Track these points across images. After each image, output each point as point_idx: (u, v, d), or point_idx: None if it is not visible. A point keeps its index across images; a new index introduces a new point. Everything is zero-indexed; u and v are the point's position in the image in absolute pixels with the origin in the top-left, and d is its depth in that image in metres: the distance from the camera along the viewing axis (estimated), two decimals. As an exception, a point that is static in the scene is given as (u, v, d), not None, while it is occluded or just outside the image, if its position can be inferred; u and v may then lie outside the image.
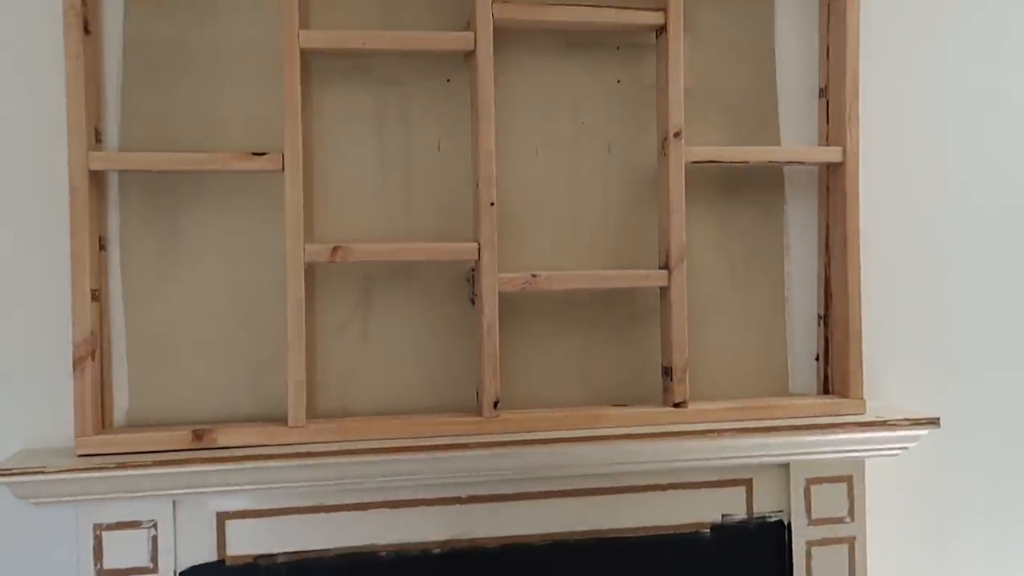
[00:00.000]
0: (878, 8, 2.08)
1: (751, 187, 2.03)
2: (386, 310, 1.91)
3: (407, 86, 1.90)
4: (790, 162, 1.96)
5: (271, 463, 1.72)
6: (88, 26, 1.73)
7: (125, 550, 1.73)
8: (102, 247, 1.80)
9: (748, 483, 1.96)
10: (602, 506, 1.90)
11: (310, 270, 1.87)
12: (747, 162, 1.94)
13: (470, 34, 1.82)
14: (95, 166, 1.70)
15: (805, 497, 1.95)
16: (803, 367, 2.07)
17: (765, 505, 1.96)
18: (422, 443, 1.77)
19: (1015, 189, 2.17)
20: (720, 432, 1.86)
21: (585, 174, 1.97)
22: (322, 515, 1.81)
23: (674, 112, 1.89)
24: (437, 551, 1.85)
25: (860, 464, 1.97)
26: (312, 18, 1.87)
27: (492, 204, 1.83)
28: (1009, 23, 2.16)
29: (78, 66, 1.69)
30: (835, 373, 2.02)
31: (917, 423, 1.93)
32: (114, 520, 1.72)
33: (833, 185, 2.00)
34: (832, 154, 1.97)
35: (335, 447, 1.75)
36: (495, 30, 1.87)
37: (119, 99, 1.81)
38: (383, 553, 1.83)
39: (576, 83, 1.96)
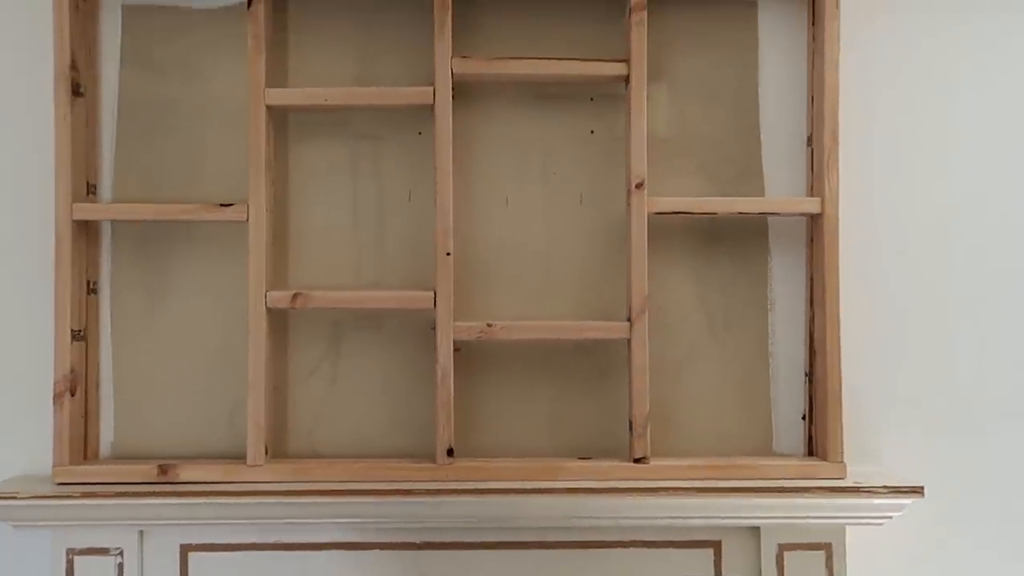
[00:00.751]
0: (868, 54, 1.99)
1: (733, 238, 1.98)
2: (354, 356, 1.97)
3: (381, 140, 1.96)
4: (762, 213, 1.90)
5: (224, 499, 1.80)
6: (80, 88, 1.89)
7: (94, 575, 1.84)
8: (93, 291, 1.94)
9: (716, 546, 1.88)
10: (562, 561, 1.88)
11: (282, 316, 1.95)
12: (715, 213, 1.89)
13: (429, 89, 1.86)
14: (78, 216, 1.85)
15: (777, 564, 1.86)
16: (789, 426, 1.97)
17: (736, 570, 1.87)
18: (370, 487, 1.81)
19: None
20: (676, 490, 1.80)
21: (556, 224, 1.97)
22: (280, 552, 1.87)
23: (636, 163, 1.86)
24: (390, 595, 1.88)
25: (840, 532, 1.86)
26: (291, 74, 1.97)
27: (448, 254, 1.86)
28: (996, 72, 2.02)
29: (65, 125, 1.85)
30: (817, 434, 1.92)
31: (898, 491, 1.81)
32: (85, 546, 1.84)
33: (815, 237, 1.91)
34: (809, 205, 1.89)
35: (286, 487, 1.81)
36: (465, 83, 1.92)
37: (113, 154, 1.96)
38: (337, 594, 1.88)
39: (548, 134, 1.97)
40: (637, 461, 1.86)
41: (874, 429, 1.99)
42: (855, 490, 1.81)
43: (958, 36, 2.01)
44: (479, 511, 1.82)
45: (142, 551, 1.86)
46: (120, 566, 1.85)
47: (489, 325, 1.87)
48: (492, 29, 1.97)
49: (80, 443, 1.91)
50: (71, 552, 1.85)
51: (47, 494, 1.79)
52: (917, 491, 1.81)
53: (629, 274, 1.87)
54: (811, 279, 1.94)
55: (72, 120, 1.86)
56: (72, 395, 1.86)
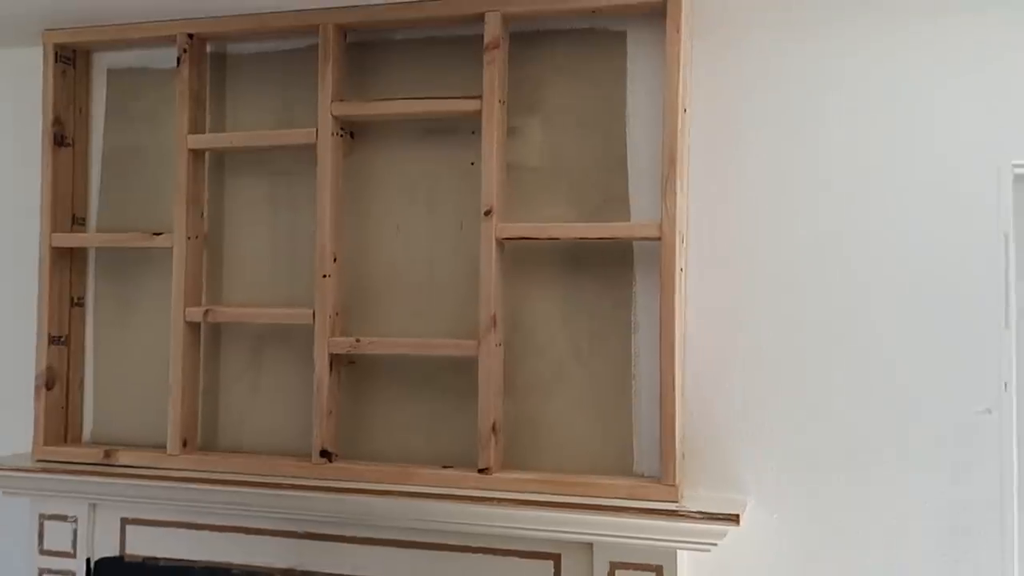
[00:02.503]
0: (727, 79, 1.99)
1: (599, 263, 2.04)
2: (272, 366, 2.24)
3: (294, 175, 2.23)
4: (601, 238, 1.95)
5: (142, 482, 2.14)
6: (66, 140, 2.33)
7: (56, 537, 2.26)
8: (79, 304, 2.37)
9: (556, 558, 1.95)
10: (416, 560, 2.04)
11: (216, 330, 2.27)
12: (557, 239, 1.97)
13: (312, 130, 2.11)
14: (56, 244, 2.29)
15: (610, 580, 1.90)
16: (652, 448, 1.99)
17: (575, 583, 1.94)
18: (255, 479, 2.08)
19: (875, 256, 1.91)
20: (509, 502, 1.90)
21: (439, 249, 2.13)
22: (192, 531, 2.19)
23: (486, 192, 1.99)
24: (277, 576, 2.13)
25: (671, 556, 1.87)
26: (228, 120, 2.29)
27: (325, 276, 2.09)
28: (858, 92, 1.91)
29: (48, 172, 2.29)
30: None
31: (713, 518, 1.79)
32: (51, 512, 2.26)
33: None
34: (647, 230, 1.92)
35: (195, 475, 2.12)
36: (364, 123, 2.15)
37: (99, 191, 2.38)
38: (235, 571, 2.16)
39: (433, 166, 2.14)
40: (481, 472, 1.98)
41: (744, 460, 1.97)
42: (671, 513, 1.82)
43: (821, 55, 1.97)
44: (338, 507, 2.02)
45: (93, 520, 2.25)
46: (75, 531, 2.25)
47: (358, 340, 2.08)
48: (394, 73, 2.17)
49: (61, 429, 2.34)
50: (42, 517, 2.27)
51: (14, 466, 2.22)
52: (732, 519, 1.78)
53: (479, 296, 2.00)
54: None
55: (55, 166, 2.30)
56: (49, 389, 2.29)
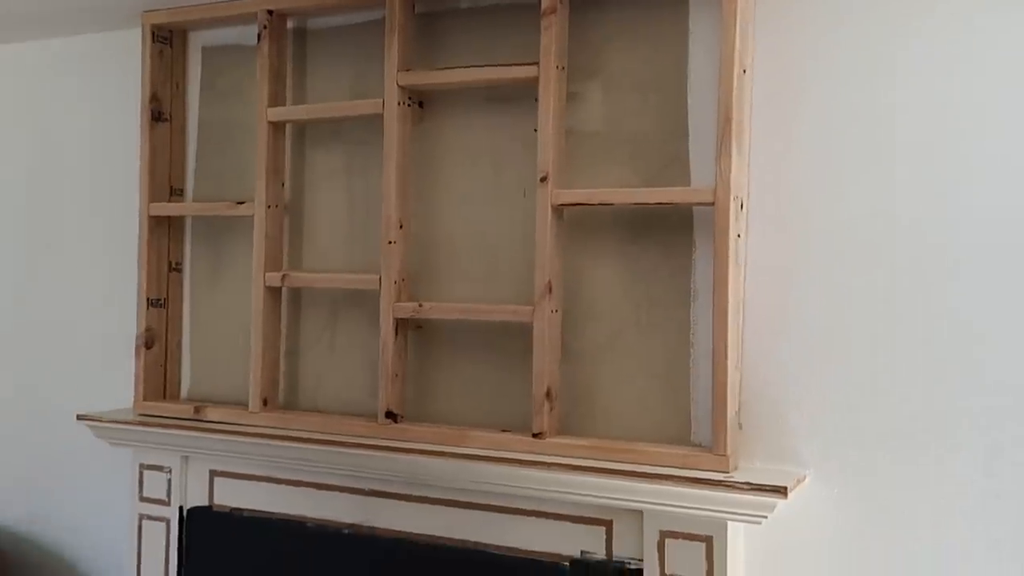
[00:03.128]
0: (791, 39, 1.91)
1: (659, 229, 2.00)
2: (347, 329, 2.32)
3: (368, 145, 2.29)
4: (657, 203, 1.92)
5: (224, 436, 2.27)
6: (163, 115, 2.47)
7: (154, 486, 2.42)
8: (177, 269, 2.52)
9: (608, 524, 1.95)
10: (472, 520, 2.08)
11: (297, 294, 2.37)
12: (610, 204, 1.95)
13: (379, 100, 2.16)
14: (153, 213, 2.43)
15: (659, 550, 1.88)
16: (709, 419, 1.95)
17: (626, 550, 1.93)
18: (325, 437, 2.16)
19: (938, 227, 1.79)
20: (551, 465, 1.92)
21: (503, 216, 2.15)
22: (271, 485, 2.30)
23: (542, 159, 1.99)
24: (346, 531, 2.22)
25: (721, 527, 1.83)
26: (308, 92, 2.37)
27: (391, 242, 2.14)
28: (926, 58, 1.78)
29: (146, 146, 2.44)
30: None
31: (760, 489, 1.75)
32: (149, 463, 2.43)
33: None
34: (701, 195, 1.87)
35: (272, 431, 2.23)
36: (426, 92, 2.19)
37: (194, 164, 2.52)
38: (309, 524, 2.26)
39: (497, 134, 2.16)
40: (535, 436, 2.00)
41: (801, 431, 1.90)
42: (716, 483, 1.79)
43: (886, 17, 1.85)
44: (396, 467, 2.09)
45: (185, 472, 2.40)
46: (169, 481, 2.40)
47: (420, 305, 2.12)
48: (461, 42, 2.20)
49: (160, 386, 2.50)
50: (142, 466, 2.44)
51: (115, 419, 2.39)
52: (780, 491, 1.73)
53: (536, 261, 2.01)
54: (722, 270, 1.91)
55: (152, 140, 2.45)
56: (148, 348, 2.45)
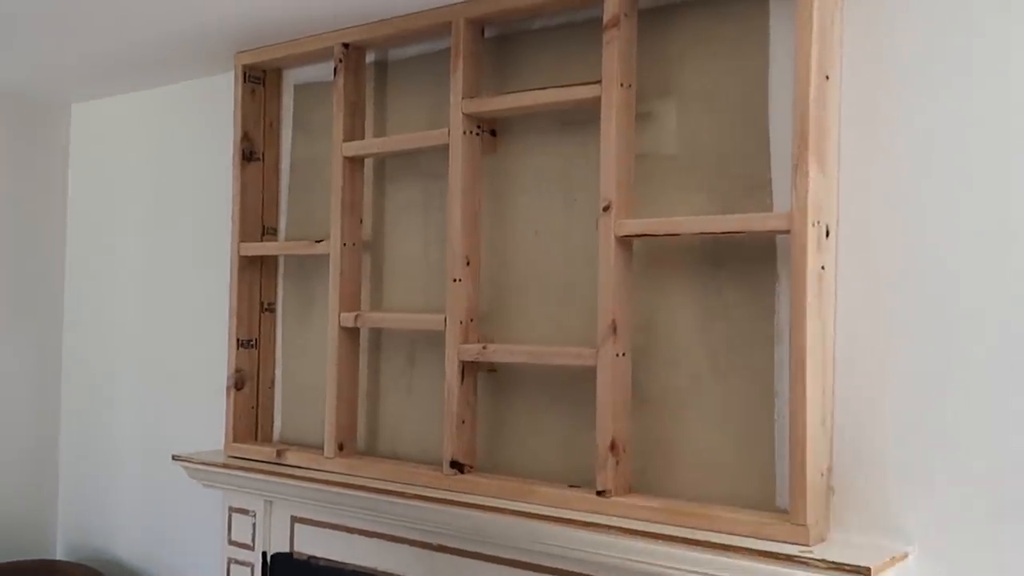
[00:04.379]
0: (880, 57, 1.63)
1: (739, 262, 1.77)
2: (424, 372, 2.21)
3: (443, 178, 2.17)
4: (727, 232, 1.68)
5: (298, 482, 2.20)
6: (255, 154, 2.46)
7: (241, 529, 2.39)
8: (269, 309, 2.50)
9: (677, 598, 1.72)
10: (535, 584, 1.90)
11: (376, 335, 2.29)
12: (679, 234, 1.73)
13: (445, 130, 2.04)
14: (242, 252, 2.42)
15: (731, 632, 1.63)
16: (796, 479, 1.69)
17: (696, 630, 1.69)
18: (385, 487, 2.05)
19: None
20: (609, 528, 1.71)
21: (577, 250, 1.97)
22: (344, 534, 2.21)
23: (604, 184, 1.81)
24: (415, 587, 2.08)
25: (801, 610, 1.56)
26: (388, 126, 2.30)
27: (456, 280, 2.01)
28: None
29: (237, 185, 2.44)
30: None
31: (839, 568, 1.47)
32: (236, 506, 2.40)
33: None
34: (776, 221, 1.63)
35: (336, 478, 2.14)
36: (498, 120, 2.06)
37: (287, 202, 2.50)
38: (379, 577, 2.15)
39: (571, 161, 1.99)
40: (599, 494, 1.79)
41: (904, 499, 1.60)
42: (788, 559, 1.52)
43: (1002, 12, 1.54)
44: (455, 522, 1.94)
45: (269, 516, 2.35)
46: (254, 525, 2.36)
47: (484, 347, 1.97)
48: (532, 65, 2.06)
49: (252, 427, 2.47)
50: (231, 509, 2.41)
51: (203, 460, 2.38)
52: (862, 572, 1.45)
53: (599, 299, 1.82)
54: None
55: (244, 179, 2.45)
56: (238, 390, 2.43)
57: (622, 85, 1.81)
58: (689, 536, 1.63)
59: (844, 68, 1.67)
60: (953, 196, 1.57)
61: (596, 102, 1.84)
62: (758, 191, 1.75)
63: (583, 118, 1.96)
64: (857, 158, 1.66)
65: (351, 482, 2.11)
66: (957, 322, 1.56)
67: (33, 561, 2.90)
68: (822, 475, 1.61)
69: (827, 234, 1.63)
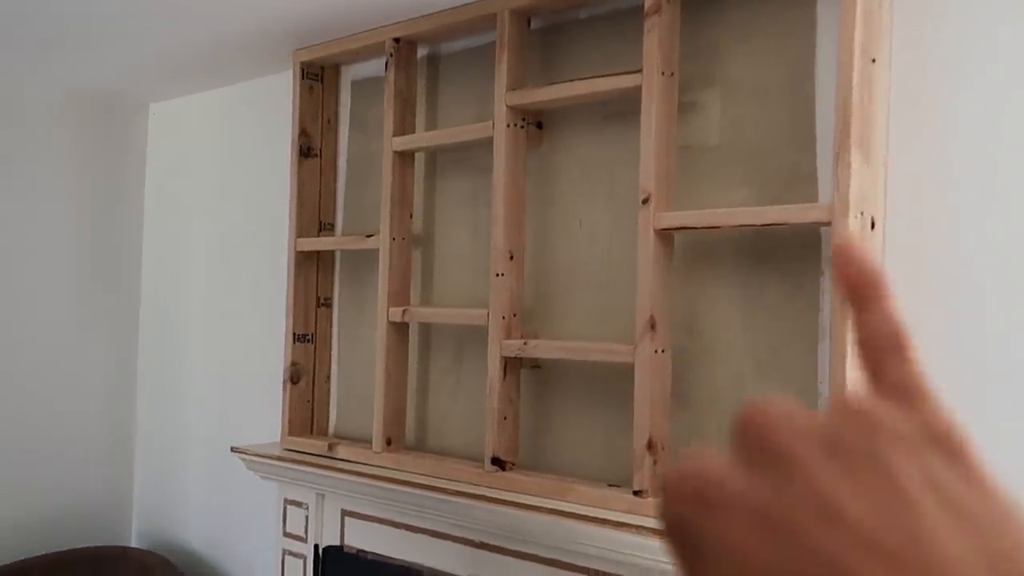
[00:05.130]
0: (934, 43, 1.53)
1: (784, 257, 1.70)
2: (471, 367, 2.19)
3: (491, 172, 2.16)
4: (765, 224, 1.61)
5: (347, 476, 2.21)
6: (312, 151, 2.49)
7: (295, 522, 2.41)
8: (326, 304, 2.52)
9: (714, 604, 1.65)
10: (575, 584, 1.86)
11: (426, 330, 2.28)
12: (718, 227, 1.67)
13: (489, 123, 2.02)
14: (299, 248, 2.45)
15: (767, 640, 1.56)
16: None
17: (734, 637, 1.62)
18: (428, 483, 2.04)
19: None
20: (639, 528, 1.66)
21: (621, 244, 1.93)
22: (391, 528, 2.21)
23: (644, 176, 1.76)
24: (457, 584, 2.07)
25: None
26: (439, 120, 2.29)
27: (499, 275, 1.99)
28: None
29: (294, 181, 2.47)
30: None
31: None
32: (291, 498, 2.42)
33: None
34: (817, 212, 1.55)
35: (390, 474, 2.14)
36: (544, 112, 2.03)
37: (344, 198, 2.52)
38: (424, 572, 2.13)
39: (615, 153, 1.94)
40: (635, 494, 1.75)
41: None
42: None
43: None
44: (494, 519, 1.91)
45: (321, 509, 2.37)
46: (306, 518, 2.38)
47: (525, 343, 1.95)
48: (579, 56, 2.02)
49: (308, 421, 2.50)
50: (286, 501, 2.44)
51: (259, 453, 2.41)
52: None
53: (637, 294, 1.77)
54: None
55: (301, 175, 2.47)
56: (294, 383, 2.46)
57: (663, 74, 1.76)
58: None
59: (893, 52, 1.59)
60: (1009, 188, 1.48)
61: (637, 91, 1.79)
62: (803, 183, 1.68)
63: (628, 109, 1.91)
64: (906, 147, 1.57)
65: (395, 477, 2.11)
66: (1008, 323, 1.46)
67: (107, 547, 2.99)
68: (865, 480, 1.53)
69: (872, 226, 1.55)
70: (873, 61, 1.55)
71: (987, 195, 1.49)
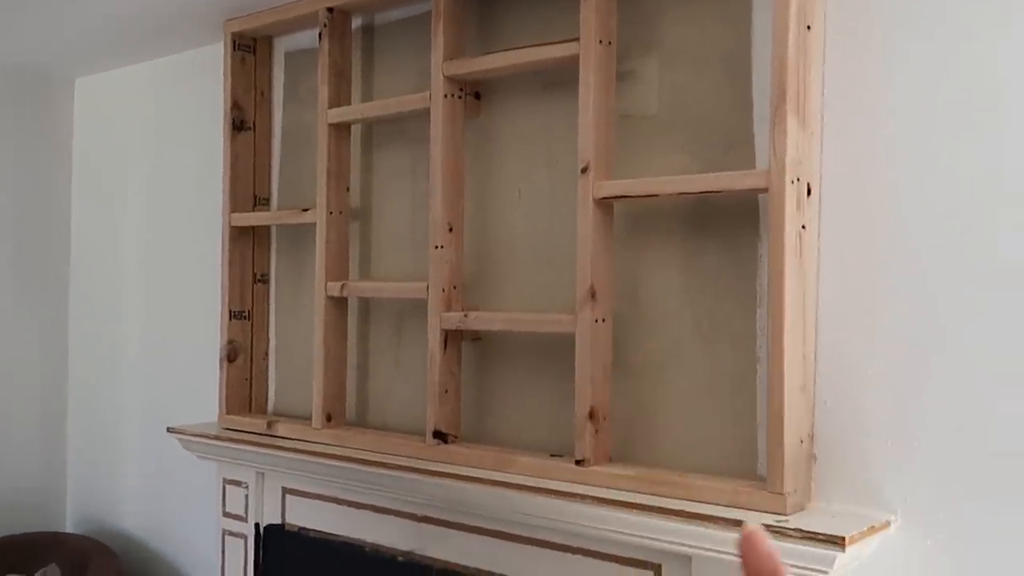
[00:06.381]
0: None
1: (722, 224, 1.70)
2: (411, 341, 2.17)
3: (428, 143, 2.13)
4: (702, 192, 1.62)
5: (287, 454, 2.18)
6: (245, 124, 2.44)
7: (234, 501, 2.38)
8: (262, 280, 2.48)
9: (657, 569, 1.67)
10: (519, 555, 1.86)
11: (365, 305, 2.25)
12: (656, 195, 1.67)
13: (426, 94, 2.00)
14: (233, 223, 2.40)
15: (709, 603, 1.58)
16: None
17: (676, 601, 1.64)
18: (370, 458, 2.02)
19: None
20: (584, 498, 1.66)
21: (561, 215, 1.92)
22: (333, 505, 2.19)
23: (582, 145, 1.75)
24: (400, 559, 2.06)
25: (778, 580, 1.50)
26: (375, 91, 2.25)
27: (438, 247, 1.97)
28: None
29: (227, 155, 2.41)
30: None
31: (813, 538, 1.41)
32: (230, 477, 2.39)
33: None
34: (753, 179, 1.56)
35: (332, 450, 2.12)
36: (481, 83, 2.01)
37: (279, 172, 2.47)
38: (367, 549, 2.12)
39: (554, 123, 1.93)
40: (577, 463, 1.75)
41: (887, 466, 1.54)
42: (763, 528, 1.46)
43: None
44: (437, 493, 1.90)
45: (261, 488, 2.33)
46: (246, 497, 2.35)
47: (466, 315, 1.93)
48: (519, 26, 2.00)
49: (246, 399, 2.46)
50: (225, 481, 2.40)
51: (196, 432, 2.37)
52: (837, 542, 1.39)
53: (577, 264, 1.77)
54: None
55: (234, 149, 2.42)
56: (231, 361, 2.42)
57: (601, 42, 1.76)
58: (662, 505, 1.59)
59: (828, 19, 1.60)
60: (943, 152, 1.50)
61: (575, 60, 1.78)
62: (741, 150, 1.69)
63: (566, 78, 1.90)
64: (842, 113, 1.59)
65: (336, 453, 2.08)
66: (945, 286, 1.49)
67: (40, 533, 2.92)
68: (802, 442, 1.56)
69: (808, 192, 1.56)
70: (808, 28, 1.56)
71: (922, 161, 1.51)
